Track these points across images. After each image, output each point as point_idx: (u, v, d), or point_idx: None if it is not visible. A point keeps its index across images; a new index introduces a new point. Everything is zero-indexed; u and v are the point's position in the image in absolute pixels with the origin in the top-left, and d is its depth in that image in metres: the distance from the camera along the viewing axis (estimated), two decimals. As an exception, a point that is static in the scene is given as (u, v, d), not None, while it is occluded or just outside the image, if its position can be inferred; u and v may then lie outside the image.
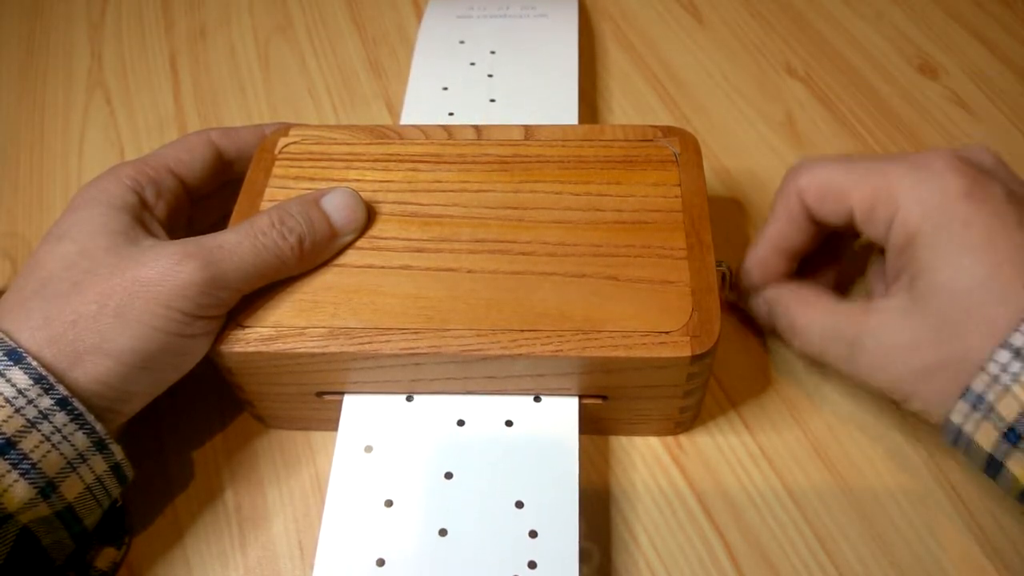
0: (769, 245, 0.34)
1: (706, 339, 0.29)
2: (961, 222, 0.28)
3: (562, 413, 0.32)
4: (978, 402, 0.27)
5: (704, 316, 0.30)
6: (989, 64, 0.48)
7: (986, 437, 0.27)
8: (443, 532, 0.29)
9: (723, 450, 0.35)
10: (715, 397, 0.36)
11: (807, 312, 0.33)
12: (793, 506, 0.33)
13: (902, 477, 0.33)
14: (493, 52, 0.45)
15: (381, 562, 0.29)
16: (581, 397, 0.32)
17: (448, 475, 0.31)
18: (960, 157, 0.29)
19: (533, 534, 0.29)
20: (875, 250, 0.35)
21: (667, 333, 0.30)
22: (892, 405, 0.35)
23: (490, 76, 0.44)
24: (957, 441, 0.28)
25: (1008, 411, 0.26)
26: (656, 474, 0.34)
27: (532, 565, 0.29)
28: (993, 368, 0.27)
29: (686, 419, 0.34)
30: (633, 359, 0.29)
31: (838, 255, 0.36)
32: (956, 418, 0.28)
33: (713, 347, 0.29)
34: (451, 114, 0.42)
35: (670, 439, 0.35)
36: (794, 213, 0.33)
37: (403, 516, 0.30)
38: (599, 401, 0.32)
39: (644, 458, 0.35)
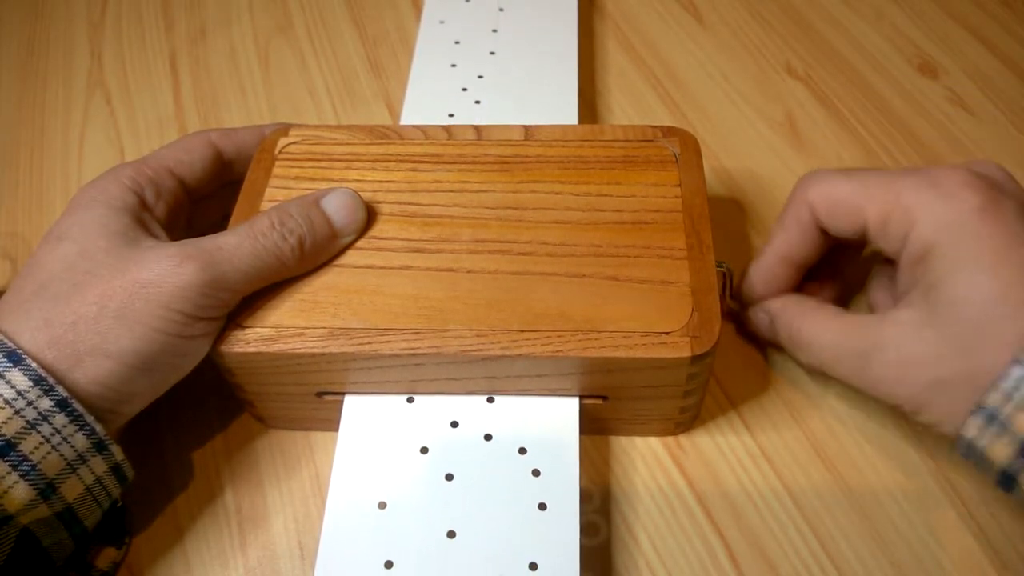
0: (776, 255, 0.34)
1: (706, 339, 0.29)
2: (976, 237, 0.28)
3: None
4: (992, 418, 0.27)
5: (704, 316, 0.30)
6: (989, 64, 0.48)
7: (1000, 452, 0.27)
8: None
9: (723, 450, 0.35)
10: (715, 397, 0.36)
11: (812, 324, 0.33)
12: (793, 506, 0.33)
13: (902, 477, 0.33)
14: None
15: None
16: (581, 397, 0.32)
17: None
18: (974, 172, 0.30)
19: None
20: (877, 263, 0.35)
21: (667, 333, 0.30)
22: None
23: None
24: (969, 455, 0.28)
25: None
26: (656, 474, 0.34)
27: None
28: (1006, 384, 0.27)
29: (686, 419, 0.34)
30: (633, 359, 0.29)
31: (839, 269, 0.36)
32: (969, 433, 0.28)
33: (713, 347, 0.29)
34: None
35: (670, 439, 0.35)
36: (804, 224, 0.33)
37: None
38: (599, 401, 0.32)
39: (644, 458, 0.35)
